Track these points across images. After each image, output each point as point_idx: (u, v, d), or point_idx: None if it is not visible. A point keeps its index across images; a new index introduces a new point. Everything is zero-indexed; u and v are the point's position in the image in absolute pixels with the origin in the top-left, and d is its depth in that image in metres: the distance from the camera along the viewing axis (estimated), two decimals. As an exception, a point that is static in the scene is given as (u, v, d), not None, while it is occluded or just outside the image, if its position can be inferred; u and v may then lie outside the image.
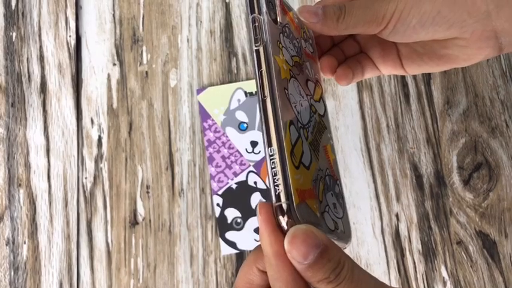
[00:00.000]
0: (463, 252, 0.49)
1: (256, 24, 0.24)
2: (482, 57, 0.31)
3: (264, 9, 0.25)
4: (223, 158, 0.52)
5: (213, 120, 0.52)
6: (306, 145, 0.25)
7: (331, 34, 0.32)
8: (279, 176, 0.22)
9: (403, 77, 0.52)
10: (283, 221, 0.22)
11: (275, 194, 0.22)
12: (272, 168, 0.22)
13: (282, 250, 0.22)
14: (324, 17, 0.30)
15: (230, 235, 0.50)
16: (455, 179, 0.50)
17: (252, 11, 0.25)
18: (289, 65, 0.26)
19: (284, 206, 0.22)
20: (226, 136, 0.52)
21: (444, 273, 0.49)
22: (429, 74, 0.52)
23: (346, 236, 0.26)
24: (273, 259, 0.22)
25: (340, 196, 0.27)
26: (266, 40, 0.24)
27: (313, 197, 0.24)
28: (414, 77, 0.52)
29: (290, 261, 0.22)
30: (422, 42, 0.32)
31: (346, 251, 0.46)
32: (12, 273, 0.49)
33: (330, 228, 0.24)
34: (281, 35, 0.26)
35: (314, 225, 0.22)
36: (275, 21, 0.26)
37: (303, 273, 0.21)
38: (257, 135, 0.52)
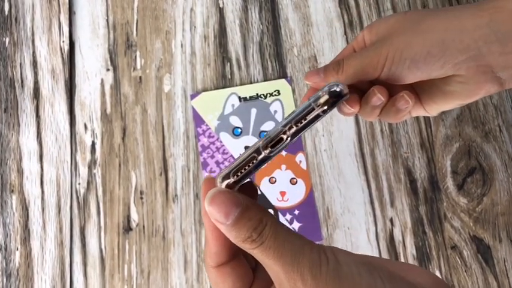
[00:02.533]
0: (457, 257, 0.49)
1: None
2: (484, 92, 0.32)
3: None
4: (218, 163, 0.51)
5: (207, 125, 0.52)
6: None
7: None
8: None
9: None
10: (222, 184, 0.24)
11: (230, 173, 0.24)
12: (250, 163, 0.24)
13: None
14: (325, 74, 0.34)
15: (224, 241, 0.50)
16: (449, 183, 0.50)
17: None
18: None
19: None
20: (220, 141, 0.52)
21: (439, 278, 0.49)
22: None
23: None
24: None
25: None
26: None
27: None
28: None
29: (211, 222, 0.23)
30: (430, 82, 0.34)
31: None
32: (5, 280, 0.49)
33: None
34: None
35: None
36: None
37: (227, 234, 0.22)
38: (251, 140, 0.52)
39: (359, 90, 0.35)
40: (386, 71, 0.32)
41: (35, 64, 0.53)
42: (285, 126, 0.24)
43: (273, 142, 0.24)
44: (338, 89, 0.24)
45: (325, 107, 0.24)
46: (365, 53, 0.33)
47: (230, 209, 0.22)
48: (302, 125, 0.24)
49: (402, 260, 0.49)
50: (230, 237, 0.22)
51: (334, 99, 0.24)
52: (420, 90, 0.35)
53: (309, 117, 0.24)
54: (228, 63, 0.54)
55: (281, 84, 0.53)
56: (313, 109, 0.24)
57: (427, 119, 0.52)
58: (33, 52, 0.54)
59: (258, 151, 0.24)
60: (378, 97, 0.33)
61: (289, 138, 0.24)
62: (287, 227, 0.23)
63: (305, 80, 0.35)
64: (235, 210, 0.22)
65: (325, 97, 0.24)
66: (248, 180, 0.25)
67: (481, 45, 0.30)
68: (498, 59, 0.30)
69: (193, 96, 0.53)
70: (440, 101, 0.34)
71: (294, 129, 0.24)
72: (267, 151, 0.24)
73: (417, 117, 0.52)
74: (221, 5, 0.55)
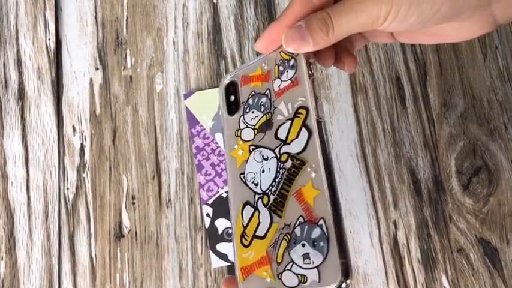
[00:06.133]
0: (464, 260, 0.47)
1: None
2: (476, 35, 0.30)
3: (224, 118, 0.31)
4: (213, 165, 0.49)
5: (201, 126, 0.50)
6: (265, 212, 0.28)
7: (321, 48, 0.29)
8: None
9: (398, 80, 0.51)
10: None
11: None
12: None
13: None
14: (314, 39, 0.28)
15: (221, 247, 0.47)
16: (454, 184, 0.49)
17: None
18: (250, 139, 0.29)
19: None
20: (216, 142, 0.50)
21: (445, 283, 0.47)
22: (425, 76, 0.51)
23: (325, 282, 0.26)
24: None
25: (320, 239, 0.26)
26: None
27: (266, 263, 0.27)
28: (410, 79, 0.51)
29: None
30: None
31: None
32: (-11, 292, 0.46)
33: (289, 286, 0.26)
34: (241, 117, 0.30)
35: None
36: (234, 112, 0.31)
37: None
38: (248, 141, 0.50)
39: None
40: (386, 25, 0.28)
41: (19, 63, 0.51)
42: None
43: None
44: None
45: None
46: (358, 7, 0.27)
47: None
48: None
49: (407, 265, 0.47)
50: None
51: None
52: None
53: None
54: (223, 61, 0.51)
55: (278, 82, 0.51)
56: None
57: (430, 117, 0.50)
58: (18, 51, 0.51)
59: None
60: (322, 64, 0.30)
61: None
62: None
63: (287, 48, 0.29)
64: None
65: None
66: None
67: None
68: (504, 11, 0.28)
69: (186, 96, 0.50)
70: (425, 38, 0.32)
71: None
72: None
73: (420, 116, 0.50)
74: (215, 1, 0.53)
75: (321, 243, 0.26)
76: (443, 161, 0.49)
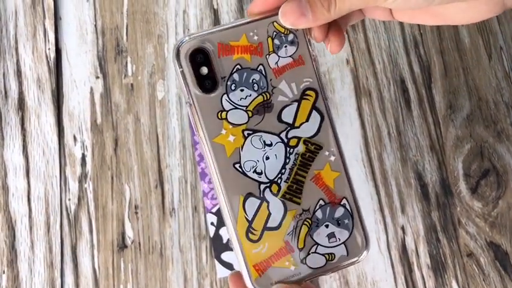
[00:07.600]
0: (474, 265, 0.46)
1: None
2: (483, 19, 0.28)
3: (189, 101, 0.26)
4: (216, 173, 0.48)
5: (204, 133, 0.49)
6: (276, 201, 0.27)
7: (320, 24, 0.28)
8: (239, 260, 0.26)
9: (402, 82, 0.50)
10: None
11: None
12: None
13: None
14: (314, 14, 0.26)
15: (226, 256, 0.46)
16: (462, 187, 0.48)
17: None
18: (243, 123, 0.27)
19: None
20: (219, 150, 0.49)
21: (455, 288, 0.46)
22: (430, 78, 0.50)
23: (353, 254, 0.28)
24: None
25: (345, 217, 0.28)
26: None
27: (286, 252, 0.26)
28: (414, 81, 0.50)
29: None
30: None
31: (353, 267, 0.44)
32: (-9, 306, 0.45)
33: (316, 267, 0.27)
34: (225, 96, 0.27)
35: (288, 278, 0.26)
36: (211, 89, 0.27)
37: None
38: (251, 147, 0.49)
39: None
40: (390, 3, 0.26)
41: (19, 74, 0.50)
42: None
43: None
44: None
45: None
46: None
47: None
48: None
49: (416, 271, 0.46)
50: None
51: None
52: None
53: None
54: (225, 67, 0.51)
55: (281, 87, 0.50)
56: None
57: (436, 120, 0.49)
58: (17, 61, 0.51)
59: None
60: (313, 37, 0.28)
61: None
62: None
63: (283, 23, 0.27)
64: None
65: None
66: None
67: None
68: None
69: (188, 103, 0.50)
70: (426, 18, 0.29)
71: None
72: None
73: (425, 118, 0.49)
74: (215, 6, 0.52)
75: (346, 221, 0.27)
76: (451, 164, 0.48)
